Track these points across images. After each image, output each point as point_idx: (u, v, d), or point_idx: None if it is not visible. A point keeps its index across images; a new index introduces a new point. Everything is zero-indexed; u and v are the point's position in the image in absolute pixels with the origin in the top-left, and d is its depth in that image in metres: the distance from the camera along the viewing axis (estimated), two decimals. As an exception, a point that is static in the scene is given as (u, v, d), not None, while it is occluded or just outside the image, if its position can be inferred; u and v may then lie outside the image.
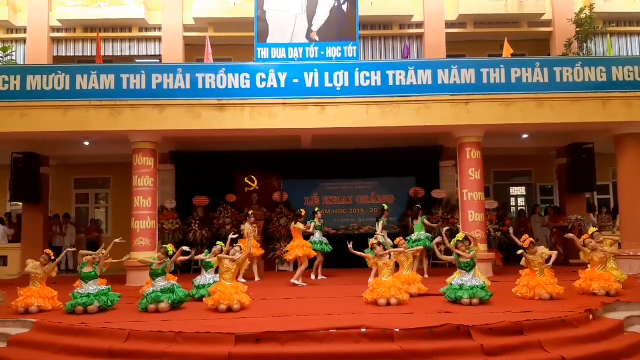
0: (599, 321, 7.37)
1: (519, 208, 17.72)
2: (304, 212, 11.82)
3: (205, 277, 9.18)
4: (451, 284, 8.51)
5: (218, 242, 9.35)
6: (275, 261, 13.80)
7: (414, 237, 11.64)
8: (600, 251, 8.96)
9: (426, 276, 11.27)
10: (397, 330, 6.38)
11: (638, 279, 9.86)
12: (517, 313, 7.22)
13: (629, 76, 11.70)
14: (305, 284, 10.81)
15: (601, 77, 11.72)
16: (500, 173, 17.21)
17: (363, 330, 6.45)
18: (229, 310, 7.89)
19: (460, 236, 8.78)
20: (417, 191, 14.41)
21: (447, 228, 9.92)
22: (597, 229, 9.68)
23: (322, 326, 6.59)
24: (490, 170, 16.05)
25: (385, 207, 12.03)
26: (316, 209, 12.26)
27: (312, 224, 11.67)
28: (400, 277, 9.00)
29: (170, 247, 8.79)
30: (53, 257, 8.75)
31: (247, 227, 11.81)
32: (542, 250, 8.87)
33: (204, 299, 8.40)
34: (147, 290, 8.34)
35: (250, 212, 12.41)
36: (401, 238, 9.80)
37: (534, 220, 15.47)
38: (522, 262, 9.01)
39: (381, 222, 11.63)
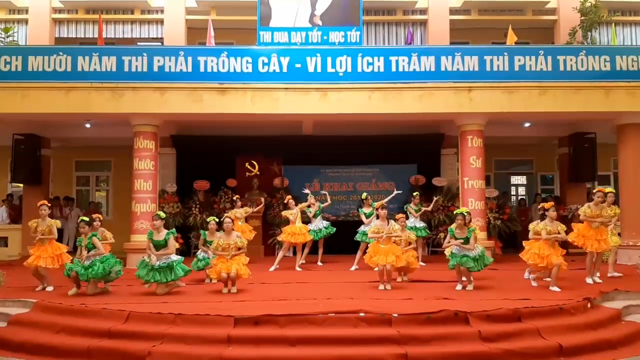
0: (596, 310, 7.40)
1: (520, 197, 17.72)
2: (289, 198, 11.74)
3: (208, 253, 9.17)
4: (452, 252, 8.46)
5: (210, 218, 9.42)
6: (275, 246, 13.82)
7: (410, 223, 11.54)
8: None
9: (421, 264, 11.26)
10: (396, 315, 6.41)
11: (637, 269, 9.88)
12: (515, 300, 7.25)
13: (632, 66, 11.67)
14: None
15: (605, 66, 11.68)
16: (501, 162, 17.19)
17: (361, 314, 6.49)
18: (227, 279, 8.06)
19: (463, 210, 8.80)
20: (417, 179, 14.40)
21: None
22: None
23: (321, 310, 6.63)
24: (492, 158, 16.01)
25: (364, 195, 11.65)
26: (308, 193, 12.23)
27: (317, 204, 11.79)
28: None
29: (163, 214, 8.77)
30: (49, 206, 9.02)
31: (235, 212, 11.77)
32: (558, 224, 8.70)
33: (206, 270, 8.52)
34: (144, 258, 8.27)
35: (235, 197, 12.38)
36: (402, 215, 9.68)
37: (535, 209, 15.46)
38: (531, 232, 8.87)
39: (365, 212, 11.37)
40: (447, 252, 8.69)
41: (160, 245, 8.27)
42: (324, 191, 12.74)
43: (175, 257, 8.29)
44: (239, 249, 8.45)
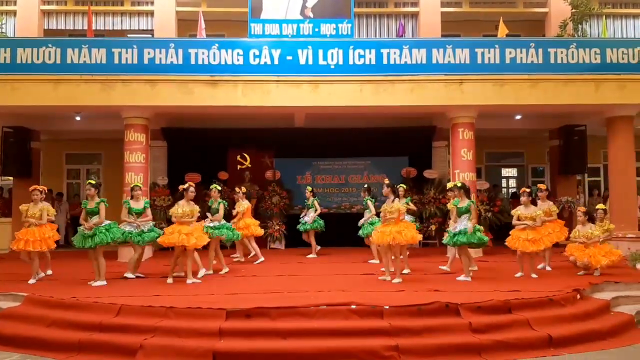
0: (586, 301, 7.48)
1: (510, 189, 17.80)
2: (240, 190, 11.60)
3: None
4: (449, 232, 8.76)
5: (213, 185, 9.93)
6: (267, 239, 13.85)
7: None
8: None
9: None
10: (387, 307, 6.45)
11: (626, 260, 9.96)
12: (506, 292, 7.31)
13: (622, 58, 11.71)
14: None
15: (595, 59, 11.72)
16: (492, 154, 17.25)
17: (353, 307, 6.52)
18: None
19: (457, 182, 9.04)
20: (409, 171, 14.43)
21: None
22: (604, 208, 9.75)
23: (313, 302, 6.65)
24: (483, 151, 16.07)
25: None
26: (308, 187, 12.29)
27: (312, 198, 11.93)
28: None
29: (139, 183, 9.40)
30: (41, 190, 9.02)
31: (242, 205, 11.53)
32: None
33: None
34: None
35: (237, 189, 11.94)
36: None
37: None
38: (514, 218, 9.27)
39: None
40: (445, 239, 8.94)
41: (93, 213, 8.45)
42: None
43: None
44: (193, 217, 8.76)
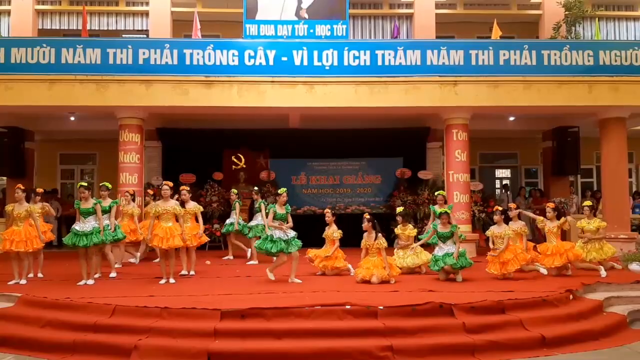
0: (579, 301, 7.53)
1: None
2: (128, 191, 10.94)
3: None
4: (435, 255, 8.90)
5: (282, 190, 8.96)
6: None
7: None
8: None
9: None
10: (381, 307, 6.48)
11: (619, 261, 10.03)
12: (499, 292, 7.36)
13: (615, 60, 11.79)
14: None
15: (588, 60, 11.79)
16: (486, 155, 17.31)
17: (347, 307, 6.54)
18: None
19: (447, 210, 9.10)
20: (403, 172, 14.49)
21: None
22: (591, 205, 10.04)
23: (307, 303, 6.67)
24: (476, 152, 16.13)
25: (437, 193, 10.69)
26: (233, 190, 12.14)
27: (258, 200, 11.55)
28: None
29: (109, 184, 9.44)
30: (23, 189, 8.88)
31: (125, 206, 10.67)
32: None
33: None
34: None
35: (133, 190, 11.14)
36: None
37: (518, 202, 15.61)
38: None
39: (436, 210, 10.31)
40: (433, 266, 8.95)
41: (89, 213, 8.46)
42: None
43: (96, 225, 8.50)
44: (176, 216, 8.69)
